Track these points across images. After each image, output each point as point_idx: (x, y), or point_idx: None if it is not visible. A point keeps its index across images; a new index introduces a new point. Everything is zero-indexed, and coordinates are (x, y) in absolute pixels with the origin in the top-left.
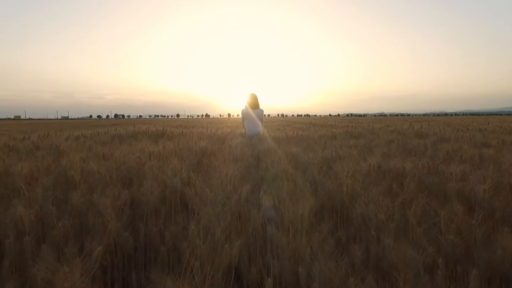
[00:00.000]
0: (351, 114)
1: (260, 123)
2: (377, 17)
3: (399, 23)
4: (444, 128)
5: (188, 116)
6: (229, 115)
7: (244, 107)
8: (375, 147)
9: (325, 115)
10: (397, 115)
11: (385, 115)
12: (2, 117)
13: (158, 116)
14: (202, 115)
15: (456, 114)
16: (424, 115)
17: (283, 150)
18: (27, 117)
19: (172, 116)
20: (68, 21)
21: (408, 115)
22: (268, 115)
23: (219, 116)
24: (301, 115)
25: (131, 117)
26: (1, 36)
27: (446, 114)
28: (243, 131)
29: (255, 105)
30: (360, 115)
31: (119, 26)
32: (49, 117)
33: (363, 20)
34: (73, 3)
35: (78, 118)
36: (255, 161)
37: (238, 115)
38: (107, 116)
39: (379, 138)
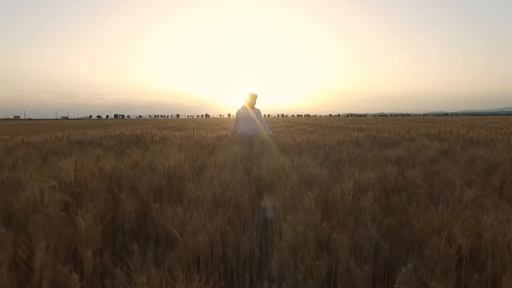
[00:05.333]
0: (351, 114)
1: (258, 124)
2: (377, 17)
3: (399, 23)
4: (480, 130)
5: (188, 116)
6: (229, 115)
7: (240, 107)
8: (431, 162)
9: (325, 115)
10: (397, 115)
11: (385, 115)
12: (2, 117)
13: (158, 116)
14: (202, 115)
15: (456, 114)
16: (424, 115)
17: (295, 166)
18: (26, 117)
19: (172, 116)
20: (68, 21)
21: (408, 115)
22: (268, 115)
23: (219, 116)
24: (301, 115)
25: (131, 117)
26: (1, 36)
27: (446, 114)
28: (234, 133)
29: (253, 105)
30: (360, 115)
31: (119, 26)
32: (48, 117)
33: (363, 20)
34: (73, 3)
35: (77, 118)
36: (255, 191)
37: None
38: (107, 116)
39: (423, 147)
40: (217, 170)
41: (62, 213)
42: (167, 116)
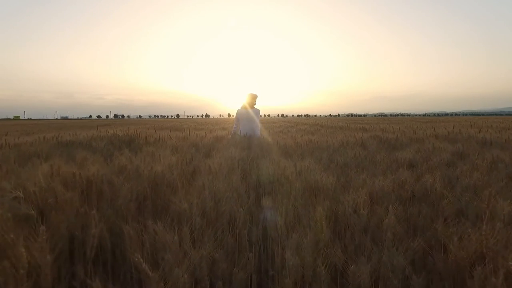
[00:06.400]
0: (351, 114)
1: (258, 125)
2: (377, 17)
3: (399, 23)
4: (488, 131)
5: (188, 116)
6: (229, 115)
7: (240, 107)
8: (446, 166)
9: (326, 115)
10: (397, 115)
11: (385, 115)
12: (2, 117)
13: (158, 116)
14: (202, 115)
15: (456, 114)
16: (424, 115)
17: (298, 171)
18: (26, 117)
19: (172, 116)
20: (68, 21)
21: (408, 115)
22: (268, 115)
23: (219, 116)
24: (301, 115)
25: (131, 117)
26: (1, 36)
27: (446, 114)
28: (234, 133)
29: (253, 105)
30: (360, 115)
31: (119, 26)
32: (48, 118)
33: (363, 20)
34: (73, 3)
35: (77, 118)
36: (253, 201)
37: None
38: (107, 116)
39: (434, 149)
40: (211, 177)
41: (12, 235)
42: (167, 116)
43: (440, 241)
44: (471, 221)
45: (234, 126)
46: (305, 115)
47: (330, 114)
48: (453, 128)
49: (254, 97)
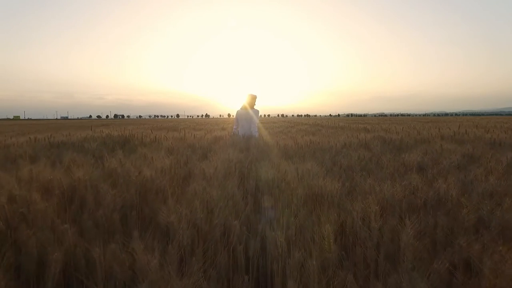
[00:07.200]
0: (351, 114)
1: (257, 125)
2: (377, 17)
3: (399, 23)
4: (493, 131)
5: (188, 116)
6: (229, 115)
7: (240, 108)
8: (458, 169)
9: (326, 115)
10: (397, 115)
11: (385, 115)
12: (2, 118)
13: (158, 116)
14: (202, 115)
15: (456, 114)
16: (425, 115)
17: (300, 176)
18: (26, 118)
19: (172, 116)
20: (68, 21)
21: (409, 115)
22: (268, 115)
23: (219, 116)
24: (301, 115)
25: (131, 117)
26: (1, 36)
27: (446, 114)
28: (234, 134)
29: (253, 105)
30: (360, 115)
31: (119, 26)
32: (48, 118)
33: (363, 20)
34: (73, 3)
35: (77, 118)
36: (252, 207)
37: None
38: (107, 116)
39: (442, 150)
40: (205, 182)
41: None
42: (167, 116)
43: (466, 260)
44: (497, 234)
45: (234, 127)
46: (305, 115)
47: (330, 114)
48: (458, 129)
49: (253, 98)
